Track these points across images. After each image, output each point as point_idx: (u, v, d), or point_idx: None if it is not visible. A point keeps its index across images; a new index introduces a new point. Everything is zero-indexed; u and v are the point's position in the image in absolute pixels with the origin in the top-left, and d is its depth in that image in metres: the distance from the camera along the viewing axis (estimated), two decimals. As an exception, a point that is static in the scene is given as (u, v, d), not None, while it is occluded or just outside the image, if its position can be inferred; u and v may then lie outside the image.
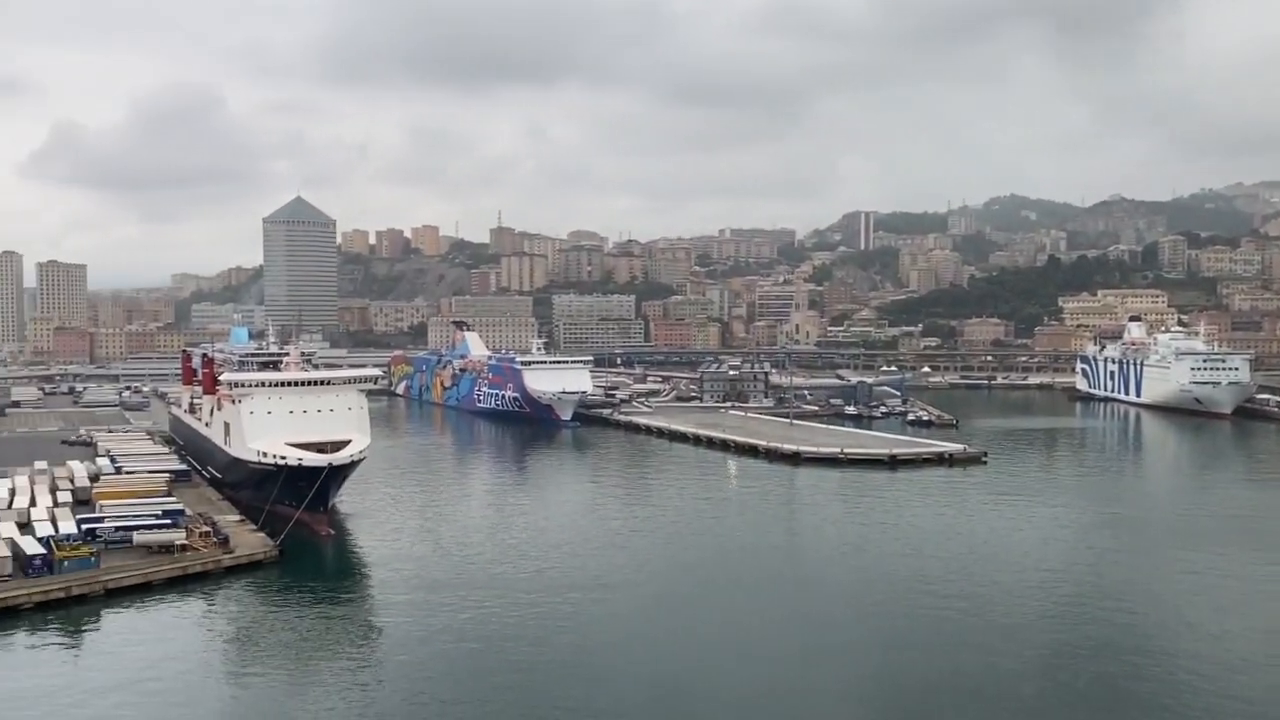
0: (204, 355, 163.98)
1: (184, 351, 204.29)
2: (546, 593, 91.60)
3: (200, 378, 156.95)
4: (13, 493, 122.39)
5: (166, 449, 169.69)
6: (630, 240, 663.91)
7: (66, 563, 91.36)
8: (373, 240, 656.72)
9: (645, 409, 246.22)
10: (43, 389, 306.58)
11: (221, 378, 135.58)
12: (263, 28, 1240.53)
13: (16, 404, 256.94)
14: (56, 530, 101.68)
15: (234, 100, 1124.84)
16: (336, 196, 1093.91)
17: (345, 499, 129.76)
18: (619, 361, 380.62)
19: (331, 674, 72.88)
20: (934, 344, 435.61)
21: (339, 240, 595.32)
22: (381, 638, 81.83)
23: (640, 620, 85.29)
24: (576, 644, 78.29)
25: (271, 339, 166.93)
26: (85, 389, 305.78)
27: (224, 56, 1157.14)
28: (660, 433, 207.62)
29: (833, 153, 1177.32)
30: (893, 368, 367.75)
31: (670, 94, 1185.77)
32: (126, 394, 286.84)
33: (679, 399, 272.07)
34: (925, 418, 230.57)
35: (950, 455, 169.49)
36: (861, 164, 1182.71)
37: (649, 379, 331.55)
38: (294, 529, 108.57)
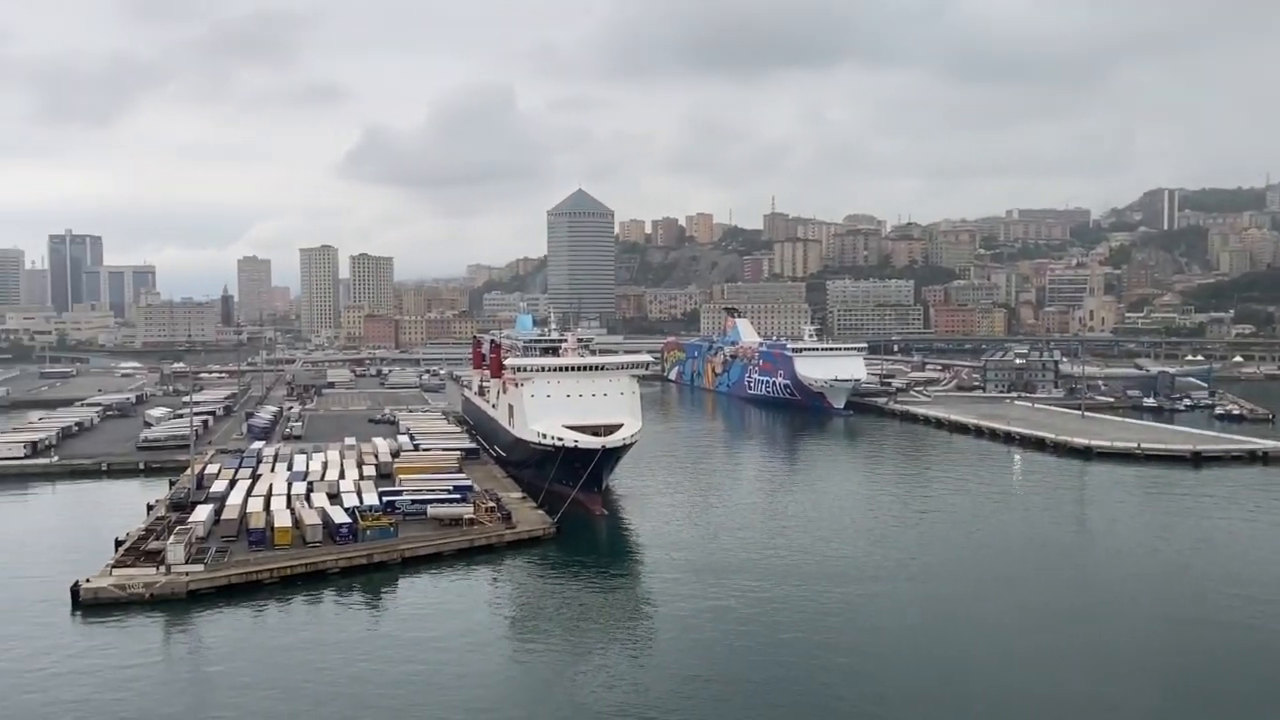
0: (492, 341, 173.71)
1: (474, 337, 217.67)
2: (816, 582, 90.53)
3: (488, 362, 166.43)
4: (325, 466, 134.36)
5: (459, 428, 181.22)
6: (909, 223, 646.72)
7: (369, 531, 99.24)
8: (649, 229, 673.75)
9: (923, 398, 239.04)
10: (354, 371, 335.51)
11: (506, 362, 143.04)
12: (550, 28, 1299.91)
13: (331, 385, 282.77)
14: (361, 501, 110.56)
15: (524, 99, 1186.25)
16: (615, 188, 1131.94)
17: (619, 480, 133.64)
18: (895, 349, 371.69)
19: (605, 649, 75.09)
20: (1247, 331, 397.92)
21: (617, 230, 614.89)
22: (652, 617, 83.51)
23: (912, 616, 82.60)
24: (845, 636, 76.75)
25: (553, 326, 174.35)
26: (390, 372, 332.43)
27: (515, 58, 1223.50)
28: (939, 423, 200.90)
29: (1132, 126, 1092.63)
30: (1199, 357, 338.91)
31: (952, 70, 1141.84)
32: (425, 377, 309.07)
33: (960, 388, 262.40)
34: (1236, 412, 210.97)
35: (1265, 453, 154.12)
36: (1164, 137, 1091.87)
37: (927, 367, 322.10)
38: (570, 508, 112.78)
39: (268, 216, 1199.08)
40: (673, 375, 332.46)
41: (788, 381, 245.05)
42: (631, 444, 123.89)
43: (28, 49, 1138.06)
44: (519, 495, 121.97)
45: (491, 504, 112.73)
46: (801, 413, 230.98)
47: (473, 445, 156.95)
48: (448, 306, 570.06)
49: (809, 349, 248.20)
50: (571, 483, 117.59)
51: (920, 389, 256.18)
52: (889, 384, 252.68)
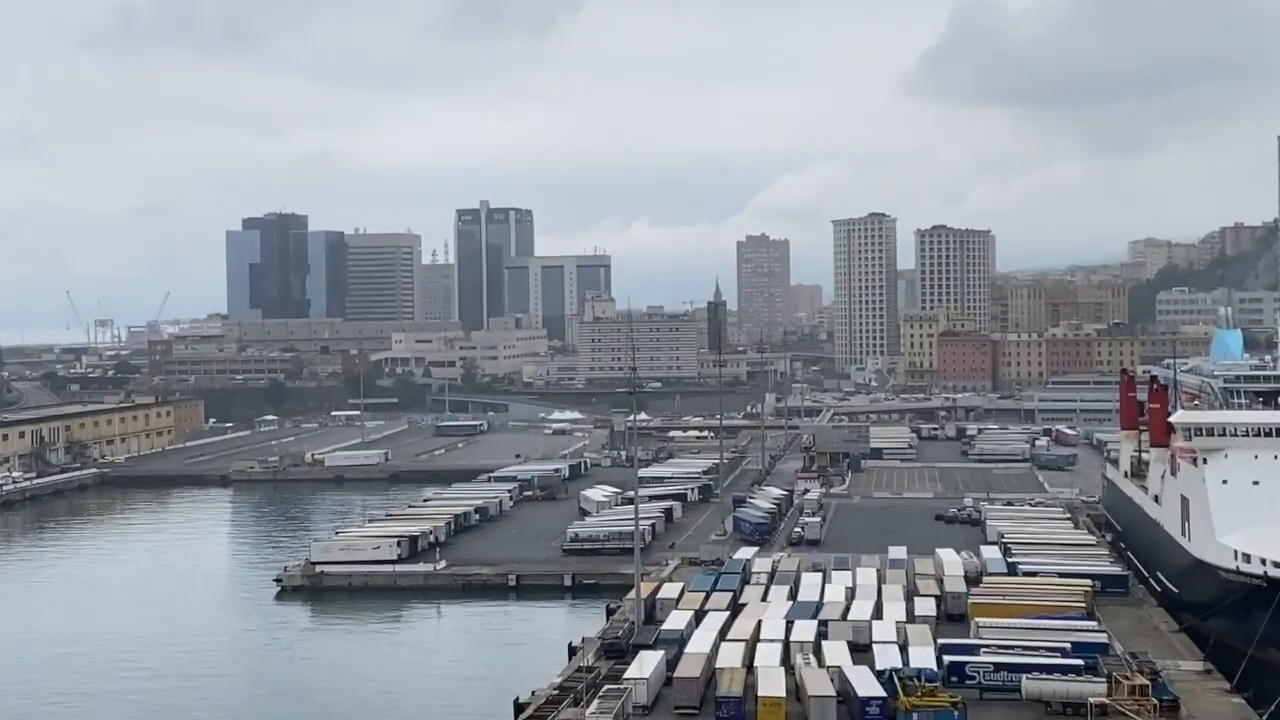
0: (1154, 378, 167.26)
1: (1122, 371, 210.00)
2: None
3: (1146, 417, 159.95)
4: (850, 594, 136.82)
5: (1092, 537, 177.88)
6: None
7: (915, 716, 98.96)
8: None
9: None
10: (917, 430, 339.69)
11: (1174, 419, 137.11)
12: None
13: (877, 452, 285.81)
14: (906, 659, 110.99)
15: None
16: None
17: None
18: None
19: None
20: None
21: None
22: None
23: None
24: None
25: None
26: (979, 432, 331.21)
27: None
28: None
29: None
30: None
31: None
32: (1041, 442, 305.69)
33: None
34: None
35: None
36: None
37: None
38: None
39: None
40: None
41: None
42: None
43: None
44: (1199, 666, 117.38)
45: (1143, 680, 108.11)
46: None
47: (1117, 570, 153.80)
48: (1087, 313, 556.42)
49: None
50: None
51: None
52: None
